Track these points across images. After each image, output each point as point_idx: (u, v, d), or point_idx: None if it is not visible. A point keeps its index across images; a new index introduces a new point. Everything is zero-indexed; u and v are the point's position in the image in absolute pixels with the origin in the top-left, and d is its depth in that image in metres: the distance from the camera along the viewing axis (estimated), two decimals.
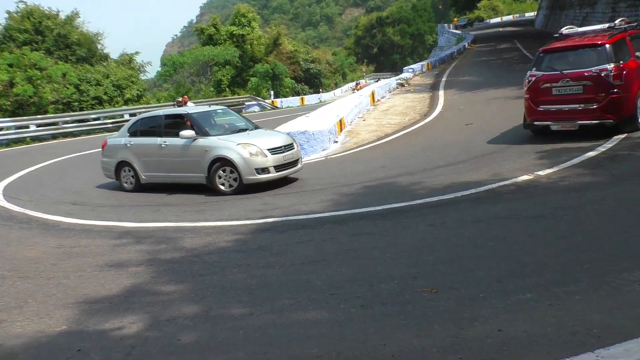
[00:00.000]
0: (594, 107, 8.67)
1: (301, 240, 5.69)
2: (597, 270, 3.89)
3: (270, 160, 8.80)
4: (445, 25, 69.01)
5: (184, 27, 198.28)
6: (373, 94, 19.74)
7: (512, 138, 10.09)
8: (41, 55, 30.73)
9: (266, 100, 38.85)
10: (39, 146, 21.40)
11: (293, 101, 42.14)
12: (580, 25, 27.99)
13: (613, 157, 7.58)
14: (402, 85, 24.09)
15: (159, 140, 9.60)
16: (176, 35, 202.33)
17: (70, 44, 35.14)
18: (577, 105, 8.87)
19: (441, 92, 19.48)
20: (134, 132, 10.14)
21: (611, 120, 8.71)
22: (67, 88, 29.48)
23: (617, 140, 8.46)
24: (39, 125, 24.14)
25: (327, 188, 8.30)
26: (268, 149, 8.83)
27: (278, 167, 8.92)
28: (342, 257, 4.95)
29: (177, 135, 9.23)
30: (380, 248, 5.09)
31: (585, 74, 8.75)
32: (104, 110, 28.25)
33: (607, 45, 8.76)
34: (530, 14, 68.72)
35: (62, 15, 36.63)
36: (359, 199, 7.30)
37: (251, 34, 53.88)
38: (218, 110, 10.62)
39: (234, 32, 52.76)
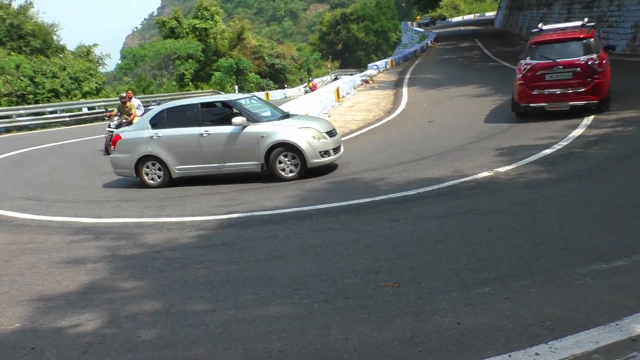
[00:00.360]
0: (582, 90, 10.21)
1: (265, 236, 5.67)
2: (551, 264, 4.03)
3: (330, 142, 8.81)
4: (409, 23, 69.85)
5: (145, 19, 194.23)
6: (338, 91, 19.81)
7: (473, 135, 10.31)
8: None
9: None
10: None
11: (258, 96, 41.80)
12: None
13: (568, 154, 7.84)
14: (366, 82, 24.26)
15: (197, 130, 8.98)
16: (137, 27, 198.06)
17: (24, 35, 33.88)
18: (568, 89, 10.35)
19: (405, 90, 19.72)
20: (157, 124, 9.31)
21: (595, 101, 10.24)
22: (21, 80, 28.43)
23: (572, 139, 8.75)
24: None
25: (291, 184, 8.29)
26: (325, 132, 8.83)
27: (335, 150, 8.95)
28: (306, 253, 4.96)
29: (219, 123, 8.92)
30: (344, 243, 5.13)
31: (576, 62, 10.23)
32: (61, 103, 27.39)
33: (591, 39, 10.45)
34: (490, 14, 70.38)
35: (15, 5, 35.31)
36: (323, 194, 7.32)
37: (214, 27, 53.13)
38: (252, 98, 10.24)
39: (197, 26, 51.91)
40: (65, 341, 3.55)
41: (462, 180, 7.08)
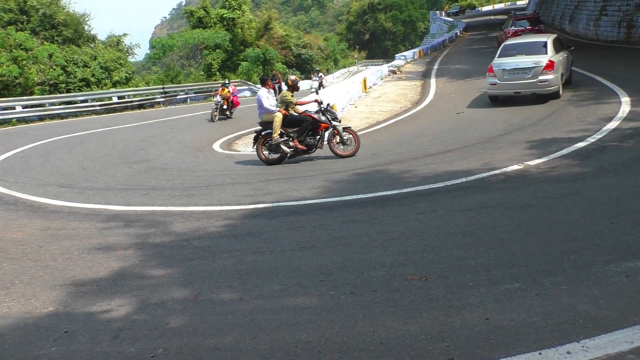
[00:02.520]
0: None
1: (291, 227, 5.68)
2: (583, 261, 3.93)
3: None
4: (437, 12, 68.81)
5: (173, 9, 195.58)
6: (365, 81, 19.67)
7: (503, 128, 10.13)
8: (27, 36, 30.10)
9: (257, 85, 38.56)
10: (25, 128, 21.09)
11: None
12: (572, 15, 28.07)
13: (602, 148, 7.64)
14: (394, 72, 24.04)
15: None
16: (165, 17, 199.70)
17: (56, 25, 34.44)
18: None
19: (433, 80, 19.47)
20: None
21: None
22: (54, 69, 28.99)
23: (607, 132, 8.52)
24: (25, 107, 23.76)
25: (317, 174, 8.28)
26: None
27: None
28: (333, 244, 4.96)
29: None
30: (371, 235, 5.11)
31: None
32: (92, 92, 27.86)
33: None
34: (522, 2, 68.69)
35: None
36: (349, 185, 7.30)
37: (242, 17, 53.19)
38: None
39: (224, 16, 52.05)
40: (96, 326, 3.63)
41: (492, 173, 6.96)
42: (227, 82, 21.09)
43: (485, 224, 5.06)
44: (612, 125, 8.94)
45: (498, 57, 13.09)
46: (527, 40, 13.89)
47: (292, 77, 10.43)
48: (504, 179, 6.68)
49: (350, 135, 9.80)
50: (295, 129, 9.75)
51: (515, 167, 7.13)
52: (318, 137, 9.86)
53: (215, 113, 19.32)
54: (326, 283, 4.02)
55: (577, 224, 4.77)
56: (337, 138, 9.75)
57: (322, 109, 9.93)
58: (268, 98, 10.04)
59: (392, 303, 3.55)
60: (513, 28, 22.73)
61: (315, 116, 9.83)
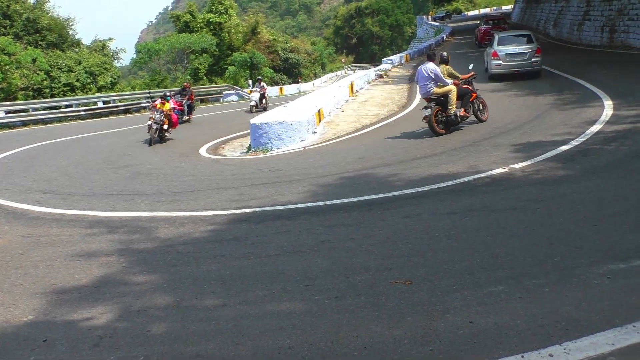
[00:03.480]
0: None
1: (277, 231, 5.66)
2: (566, 263, 3.95)
3: None
4: (424, 16, 69.28)
5: (159, 13, 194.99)
6: (352, 85, 19.72)
7: (488, 131, 10.19)
8: (9, 40, 29.77)
9: (244, 90, 38.47)
10: (9, 133, 20.81)
11: (272, 91, 41.77)
12: (556, 20, 28.51)
13: (585, 151, 7.71)
14: (380, 76, 24.13)
15: None
16: (151, 22, 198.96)
17: (40, 29, 34.16)
18: None
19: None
20: None
21: None
22: (38, 74, 28.71)
23: (590, 135, 8.61)
24: (8, 112, 23.45)
25: (304, 179, 8.26)
26: None
27: None
28: (318, 249, 4.94)
29: None
30: (356, 239, 5.10)
31: None
32: (77, 97, 27.64)
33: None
34: (507, 7, 69.37)
35: (31, 0, 35.59)
36: (336, 190, 7.29)
37: (228, 22, 53.11)
38: None
39: (211, 20, 51.91)
40: (76, 334, 3.57)
41: (477, 176, 6.99)
42: (167, 95, 15.94)
43: (470, 227, 5.07)
44: (595, 128, 9.04)
45: (497, 45, 16.99)
46: (515, 34, 18.48)
47: (445, 53, 11.47)
48: (490, 182, 6.71)
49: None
50: (460, 100, 10.78)
51: (500, 170, 7.17)
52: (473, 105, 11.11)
53: (155, 136, 14.70)
54: (311, 288, 4.00)
55: (561, 227, 4.80)
56: (480, 106, 11.26)
57: (467, 80, 11.19)
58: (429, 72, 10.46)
59: (376, 307, 3.54)
60: (484, 26, 30.95)
61: (470, 87, 11.09)
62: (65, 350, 3.34)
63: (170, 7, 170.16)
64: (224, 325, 3.50)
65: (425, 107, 10.60)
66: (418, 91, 11.60)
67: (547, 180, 6.45)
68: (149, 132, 14.85)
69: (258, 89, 23.93)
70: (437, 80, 10.46)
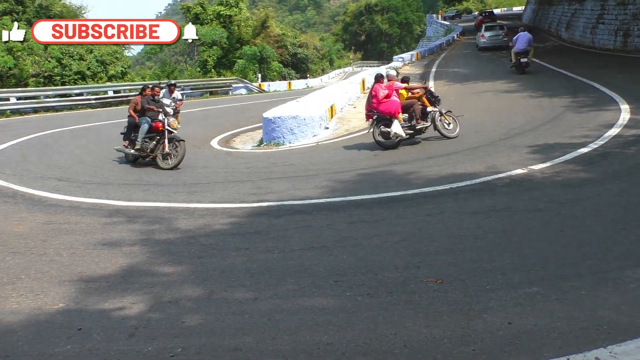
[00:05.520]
0: None
1: (299, 226, 5.64)
2: (599, 267, 3.93)
3: None
4: (434, 15, 68.93)
5: (169, 4, 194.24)
6: (363, 82, 19.66)
7: (503, 132, 10.14)
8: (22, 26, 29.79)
9: (253, 84, 38.42)
10: (20, 119, 20.80)
11: (280, 85, 41.74)
12: (568, 22, 28.50)
13: (605, 154, 7.67)
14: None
15: None
16: (160, 12, 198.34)
17: (52, 16, 34.11)
18: None
19: (431, 83, 19.45)
20: None
21: None
22: (49, 61, 28.76)
23: (608, 138, 8.56)
24: (19, 98, 23.43)
25: (320, 174, 8.24)
26: None
27: None
28: (342, 244, 4.92)
29: None
30: (380, 236, 5.08)
31: None
32: (88, 85, 27.66)
33: None
34: (518, 9, 68.97)
35: None
36: (353, 186, 7.26)
37: (239, 15, 52.92)
38: None
39: (221, 12, 51.74)
40: (111, 323, 3.56)
41: (496, 176, 6.96)
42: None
43: (495, 228, 5.05)
44: (614, 132, 8.98)
45: (484, 31, 28.98)
46: (495, 24, 32.22)
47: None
48: (509, 183, 6.68)
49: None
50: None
51: (519, 171, 7.13)
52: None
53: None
54: (341, 284, 3.98)
55: (589, 230, 4.77)
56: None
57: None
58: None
59: (410, 305, 3.53)
60: (480, 17, 45.21)
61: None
62: (102, 340, 3.33)
63: None
64: (258, 319, 3.48)
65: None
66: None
67: (568, 183, 6.42)
68: None
69: (170, 101, 12.43)
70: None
